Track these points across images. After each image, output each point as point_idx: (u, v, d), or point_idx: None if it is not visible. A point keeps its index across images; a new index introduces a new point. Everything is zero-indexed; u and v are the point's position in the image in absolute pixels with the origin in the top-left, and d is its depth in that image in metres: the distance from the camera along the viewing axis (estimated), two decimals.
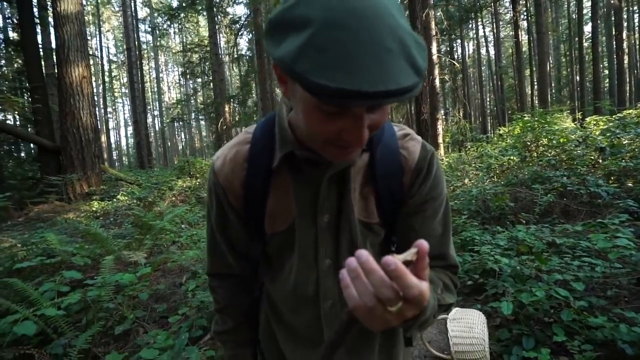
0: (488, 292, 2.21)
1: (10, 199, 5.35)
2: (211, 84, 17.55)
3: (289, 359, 0.69)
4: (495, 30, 20.86)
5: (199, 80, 20.10)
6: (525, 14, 17.19)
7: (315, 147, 0.50)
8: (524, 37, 18.38)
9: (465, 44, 25.66)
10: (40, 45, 8.85)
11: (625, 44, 15.63)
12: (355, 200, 0.59)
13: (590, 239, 2.12)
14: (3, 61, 10.40)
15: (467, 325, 1.75)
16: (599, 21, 15.00)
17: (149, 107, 31.57)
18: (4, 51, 9.81)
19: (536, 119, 5.55)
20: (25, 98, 8.99)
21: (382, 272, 0.34)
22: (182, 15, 16.93)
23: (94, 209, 5.79)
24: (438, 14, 13.38)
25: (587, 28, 20.10)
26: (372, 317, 0.35)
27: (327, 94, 0.34)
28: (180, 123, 28.39)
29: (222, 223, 0.65)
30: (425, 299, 0.35)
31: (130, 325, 1.77)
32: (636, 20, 25.27)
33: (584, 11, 17.99)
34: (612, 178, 4.04)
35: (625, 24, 17.88)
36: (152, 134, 34.69)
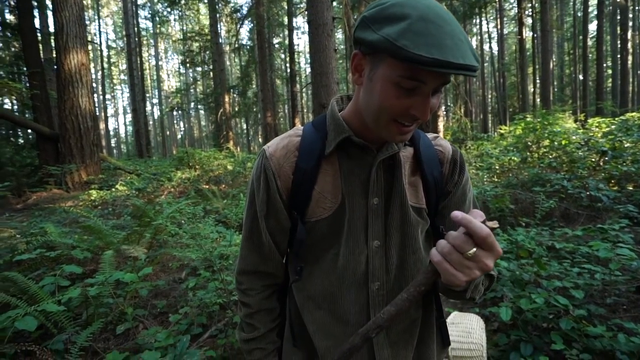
0: (487, 296, 2.22)
1: (9, 187, 5.31)
2: (211, 73, 17.36)
3: (324, 355, 0.68)
4: (499, 27, 20.64)
5: (199, 69, 19.86)
6: (530, 10, 17.01)
7: (378, 126, 0.57)
8: (527, 35, 18.23)
9: (469, 39, 25.45)
10: (38, 30, 8.69)
11: (630, 44, 15.52)
12: (406, 187, 0.66)
13: (591, 245, 2.12)
14: (0, 44, 10.22)
15: (466, 330, 1.76)
16: (604, 20, 14.87)
17: (148, 95, 31.25)
18: (1, 35, 9.62)
19: (538, 119, 5.52)
20: (23, 83, 8.85)
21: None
22: (182, 2, 16.67)
23: (92, 198, 5.76)
24: None
25: (592, 26, 19.95)
26: (453, 266, 0.46)
27: (424, 62, 0.45)
28: (180, 112, 28.16)
29: (267, 209, 0.68)
30: (496, 243, 0.45)
31: (130, 324, 1.78)
32: None
33: (590, 9, 17.81)
34: (612, 182, 4.05)
35: (630, 24, 17.73)
36: (151, 123, 34.44)
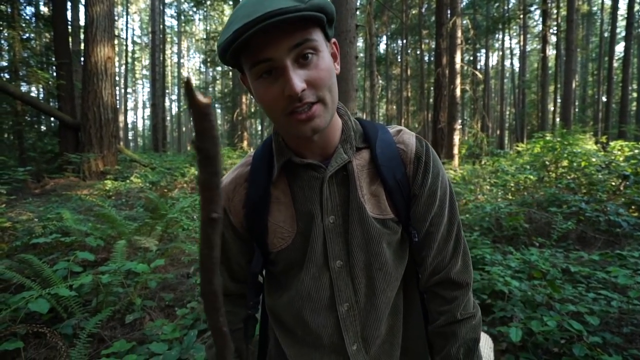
0: (496, 314, 2.16)
1: (30, 172, 5.49)
2: (230, 73, 17.65)
3: None
4: (521, 43, 20.40)
5: (219, 68, 20.26)
6: (555, 28, 16.77)
7: (284, 129, 0.55)
8: (551, 52, 17.95)
9: (490, 54, 25.19)
10: (69, 22, 9.01)
11: None
12: (366, 199, 0.60)
13: (609, 271, 2.05)
14: (32, 35, 10.63)
15: None
16: (632, 42, 14.53)
17: (167, 91, 31.96)
18: (34, 25, 10.02)
19: (558, 139, 5.41)
20: (51, 73, 9.17)
21: None
22: (208, 3, 17.07)
23: (107, 188, 5.89)
24: (465, 22, 13.14)
25: (619, 48, 19.52)
26: None
27: (231, 41, 0.45)
28: None
29: (230, 247, 0.66)
30: None
31: (139, 314, 1.80)
32: None
33: (617, 30, 17.45)
34: (633, 207, 3.92)
35: None
36: (169, 118, 35.12)
